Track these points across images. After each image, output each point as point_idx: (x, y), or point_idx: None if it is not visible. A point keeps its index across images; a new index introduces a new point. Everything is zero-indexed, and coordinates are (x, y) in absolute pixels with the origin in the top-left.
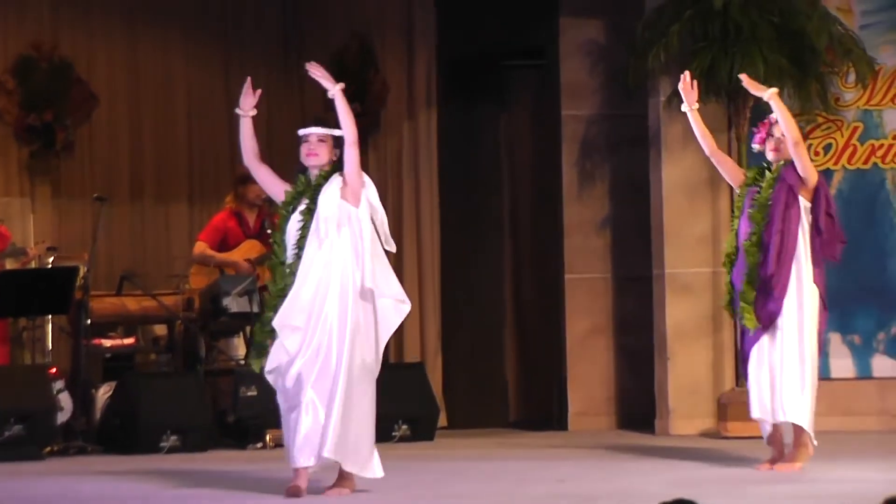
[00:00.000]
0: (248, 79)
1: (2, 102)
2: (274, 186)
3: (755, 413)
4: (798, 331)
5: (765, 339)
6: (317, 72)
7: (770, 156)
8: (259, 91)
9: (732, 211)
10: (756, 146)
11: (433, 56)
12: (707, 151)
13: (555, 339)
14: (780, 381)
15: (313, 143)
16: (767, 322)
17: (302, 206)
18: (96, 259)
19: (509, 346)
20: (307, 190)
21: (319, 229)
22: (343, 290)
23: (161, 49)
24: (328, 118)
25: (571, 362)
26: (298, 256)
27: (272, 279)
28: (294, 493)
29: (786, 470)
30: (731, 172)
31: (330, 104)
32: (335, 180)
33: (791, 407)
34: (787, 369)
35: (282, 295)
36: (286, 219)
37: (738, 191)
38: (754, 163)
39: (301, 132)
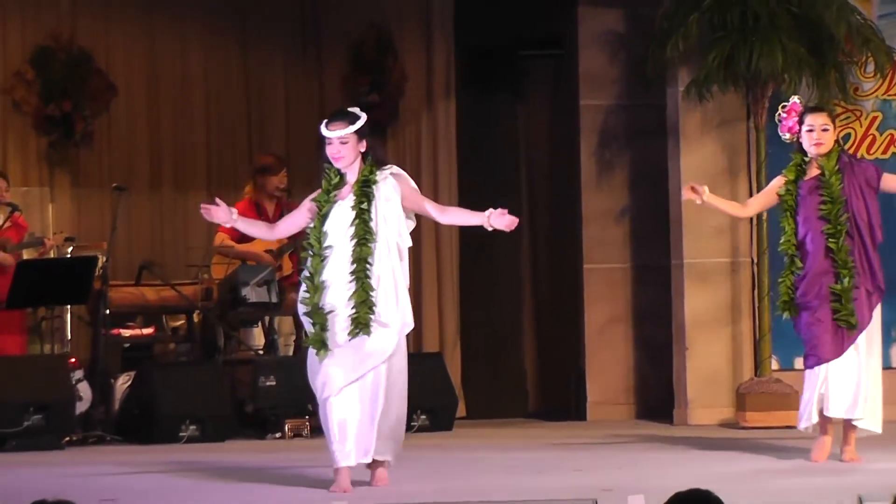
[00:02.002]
0: (202, 205)
1: (21, 93)
2: (300, 215)
3: (840, 413)
4: (877, 328)
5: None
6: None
7: (812, 150)
8: (215, 204)
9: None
10: (785, 135)
11: (451, 45)
12: (745, 215)
13: (573, 329)
14: (861, 382)
15: (336, 145)
16: (869, 316)
17: (350, 201)
18: (115, 249)
19: (528, 337)
20: (342, 182)
21: (379, 230)
22: (396, 289)
23: (179, 39)
24: (347, 110)
25: (590, 352)
26: (359, 250)
27: (310, 271)
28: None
29: (856, 461)
30: (769, 199)
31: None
32: (390, 183)
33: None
34: (873, 372)
35: (320, 287)
36: (327, 211)
37: (779, 184)
38: (773, 150)
39: (323, 131)
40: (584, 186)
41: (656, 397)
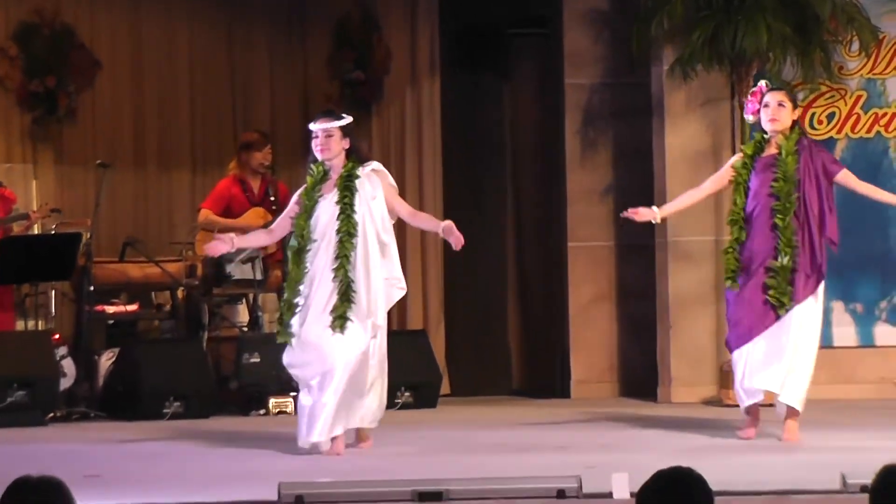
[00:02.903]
0: (214, 235)
1: (4, 69)
2: (292, 209)
3: (763, 384)
4: (817, 310)
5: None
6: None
7: (768, 126)
8: (219, 239)
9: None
10: (750, 117)
11: (436, 23)
12: (701, 197)
13: (557, 307)
14: (792, 360)
15: (322, 138)
16: (803, 296)
17: (334, 197)
18: (99, 225)
19: (512, 314)
20: (326, 177)
21: (368, 228)
22: (377, 277)
23: (164, 15)
24: (334, 109)
25: (574, 330)
26: (342, 245)
27: (293, 265)
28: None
29: (794, 440)
30: (725, 175)
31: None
32: (373, 180)
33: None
34: (804, 350)
35: (301, 281)
36: (312, 206)
37: (736, 159)
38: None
39: (311, 126)
40: (568, 165)
41: (640, 375)
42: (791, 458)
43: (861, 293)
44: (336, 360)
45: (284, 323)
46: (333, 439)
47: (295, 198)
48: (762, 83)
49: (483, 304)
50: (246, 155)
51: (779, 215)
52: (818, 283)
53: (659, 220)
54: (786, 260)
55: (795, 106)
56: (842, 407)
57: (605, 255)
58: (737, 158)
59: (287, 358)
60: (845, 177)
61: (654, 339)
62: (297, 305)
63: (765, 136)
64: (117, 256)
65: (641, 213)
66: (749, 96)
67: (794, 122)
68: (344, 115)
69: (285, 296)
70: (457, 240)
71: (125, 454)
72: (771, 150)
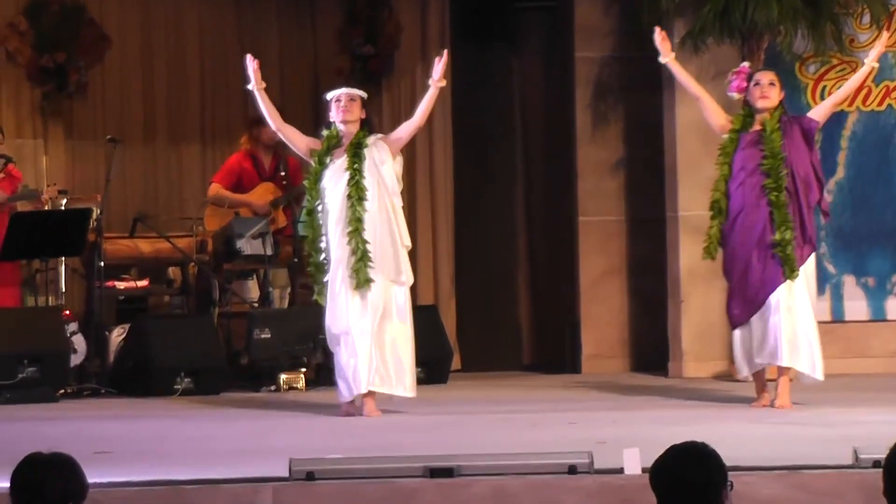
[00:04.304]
0: (248, 56)
1: (14, 44)
2: (300, 142)
3: (765, 359)
4: (808, 278)
5: (784, 286)
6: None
7: (759, 103)
8: (257, 62)
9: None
10: (734, 94)
11: None
12: (694, 94)
13: (568, 282)
14: (794, 327)
15: (345, 102)
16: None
17: (343, 162)
18: (109, 201)
19: (522, 289)
20: (339, 143)
21: (379, 192)
22: (393, 244)
23: None
24: (352, 78)
25: (585, 305)
26: (353, 209)
27: (308, 227)
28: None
29: (787, 407)
30: (716, 114)
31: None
32: (381, 147)
33: (808, 354)
34: (804, 316)
35: (319, 239)
36: (321, 170)
37: (723, 135)
38: None
39: (332, 94)
40: (578, 139)
41: (651, 350)
42: (804, 432)
43: (872, 267)
44: (359, 321)
45: (318, 283)
46: (366, 398)
47: (310, 140)
48: (744, 64)
49: (493, 279)
50: (257, 130)
51: (773, 193)
52: (810, 254)
53: (664, 61)
54: (787, 234)
55: (782, 87)
56: (854, 381)
57: (616, 229)
58: (725, 120)
59: (327, 319)
60: (819, 112)
61: (665, 313)
62: (324, 263)
63: (751, 112)
64: (128, 232)
65: (663, 40)
66: (732, 74)
67: (779, 102)
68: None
69: (310, 258)
70: (442, 67)
71: (136, 430)
72: (756, 127)
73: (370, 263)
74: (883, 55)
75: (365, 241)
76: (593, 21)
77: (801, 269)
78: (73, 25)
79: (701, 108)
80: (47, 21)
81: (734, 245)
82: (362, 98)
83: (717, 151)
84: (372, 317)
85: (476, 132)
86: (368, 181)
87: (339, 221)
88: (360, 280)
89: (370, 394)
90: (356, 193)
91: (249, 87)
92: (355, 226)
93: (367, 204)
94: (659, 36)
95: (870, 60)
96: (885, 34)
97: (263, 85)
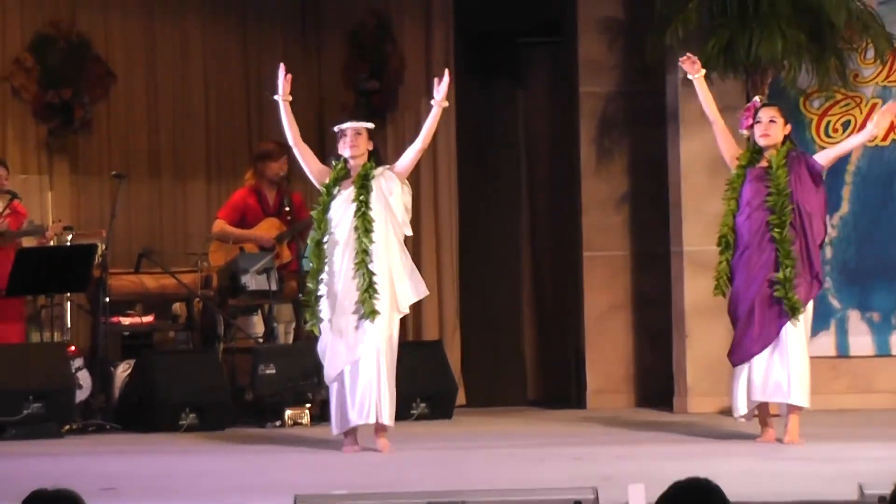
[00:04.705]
0: (281, 65)
1: (20, 80)
2: (312, 164)
3: (761, 396)
4: (806, 315)
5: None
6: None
7: (761, 141)
8: (290, 76)
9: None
10: (744, 131)
11: (450, 32)
12: (712, 117)
13: (573, 317)
14: (790, 363)
15: (351, 136)
16: (806, 305)
17: (350, 194)
18: (114, 236)
19: (527, 324)
20: (347, 175)
21: (387, 223)
22: (400, 270)
23: (178, 26)
24: (356, 113)
25: (590, 340)
26: (360, 241)
27: (314, 256)
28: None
29: (796, 442)
30: (728, 143)
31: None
32: (389, 177)
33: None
34: (799, 352)
35: (322, 271)
36: (329, 201)
37: (732, 168)
38: None
39: (339, 127)
40: (583, 173)
41: (656, 385)
42: (809, 468)
43: (877, 302)
44: (365, 350)
45: (313, 311)
46: (378, 436)
47: (322, 167)
48: (756, 99)
49: (498, 313)
50: (262, 165)
51: (776, 229)
52: (818, 291)
53: (693, 77)
54: (788, 272)
55: (787, 121)
56: (859, 416)
57: (621, 264)
58: (734, 154)
59: (320, 346)
60: (824, 158)
61: (670, 348)
62: (321, 295)
63: (758, 148)
64: (133, 267)
65: (692, 62)
66: (743, 111)
67: (786, 137)
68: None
69: (309, 286)
70: (445, 86)
71: (141, 466)
72: (762, 163)
73: (376, 295)
74: (887, 90)
75: (372, 273)
76: (598, 56)
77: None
78: (78, 61)
79: (714, 133)
80: (53, 57)
81: (739, 284)
82: (369, 130)
83: (725, 186)
84: (377, 348)
85: (481, 166)
86: (376, 212)
87: (346, 253)
88: (367, 311)
89: (382, 428)
90: (363, 225)
91: (276, 97)
92: (362, 257)
93: (374, 235)
94: (688, 60)
95: (873, 126)
96: (887, 112)
97: (290, 98)
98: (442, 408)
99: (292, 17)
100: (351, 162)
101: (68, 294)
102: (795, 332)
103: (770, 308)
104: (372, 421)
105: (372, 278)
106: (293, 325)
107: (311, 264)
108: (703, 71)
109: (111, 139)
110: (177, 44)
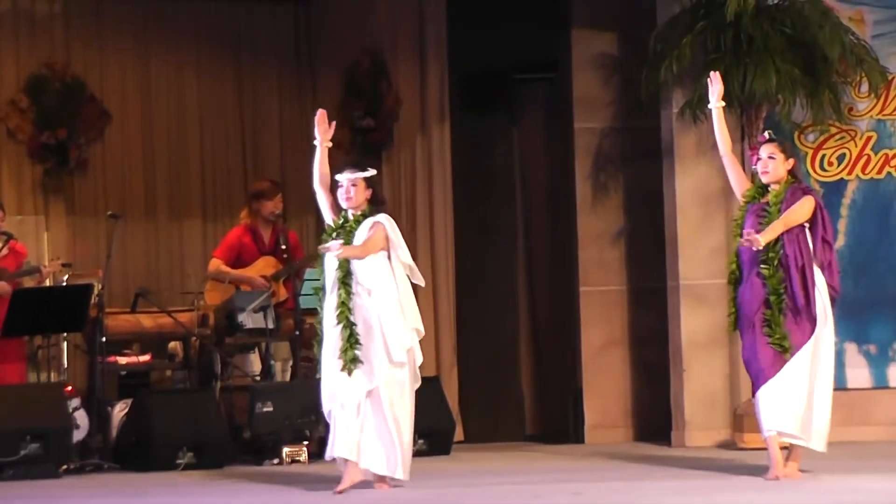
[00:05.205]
0: (322, 112)
1: (16, 121)
2: (330, 209)
3: (783, 427)
4: (826, 352)
5: (800, 356)
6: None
7: (762, 178)
8: (334, 122)
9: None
10: (754, 167)
11: (445, 69)
12: (722, 150)
13: (570, 352)
14: (803, 402)
15: (347, 187)
16: (801, 341)
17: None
18: (111, 276)
19: (525, 360)
20: (345, 227)
21: (377, 273)
22: (380, 326)
23: (173, 66)
24: (360, 161)
25: (587, 375)
26: (339, 293)
27: (318, 304)
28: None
29: (797, 478)
30: (738, 178)
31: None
32: (365, 229)
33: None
34: (821, 393)
35: (321, 319)
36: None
37: (740, 202)
38: None
39: (337, 177)
40: (579, 209)
41: (654, 419)
42: (808, 500)
43: (874, 334)
44: (345, 398)
45: (318, 358)
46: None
47: (333, 210)
48: (765, 134)
49: (496, 350)
50: (257, 204)
51: (763, 266)
52: (812, 326)
53: (713, 107)
54: (775, 309)
55: (789, 156)
56: (857, 449)
57: (618, 299)
58: (742, 190)
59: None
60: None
61: (668, 383)
62: (322, 341)
63: (762, 183)
64: (129, 307)
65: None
66: (752, 148)
67: (790, 172)
68: (369, 168)
69: (317, 335)
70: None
71: None
72: (765, 199)
73: (357, 346)
74: (881, 123)
75: (352, 324)
76: (592, 92)
77: (811, 341)
78: (73, 102)
79: (727, 167)
80: (48, 98)
81: (741, 317)
82: (366, 179)
83: (733, 223)
84: (361, 393)
85: (476, 203)
86: (361, 262)
87: (333, 301)
88: (346, 361)
89: (380, 479)
90: (342, 277)
91: (316, 142)
92: (341, 309)
93: (355, 287)
94: (715, 76)
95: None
96: None
97: (330, 144)
98: (440, 444)
99: (287, 57)
100: (349, 213)
101: (65, 334)
102: (809, 369)
103: (766, 346)
104: (353, 458)
105: (353, 330)
106: (290, 362)
107: (317, 309)
108: (724, 103)
109: (107, 179)
110: (171, 84)
